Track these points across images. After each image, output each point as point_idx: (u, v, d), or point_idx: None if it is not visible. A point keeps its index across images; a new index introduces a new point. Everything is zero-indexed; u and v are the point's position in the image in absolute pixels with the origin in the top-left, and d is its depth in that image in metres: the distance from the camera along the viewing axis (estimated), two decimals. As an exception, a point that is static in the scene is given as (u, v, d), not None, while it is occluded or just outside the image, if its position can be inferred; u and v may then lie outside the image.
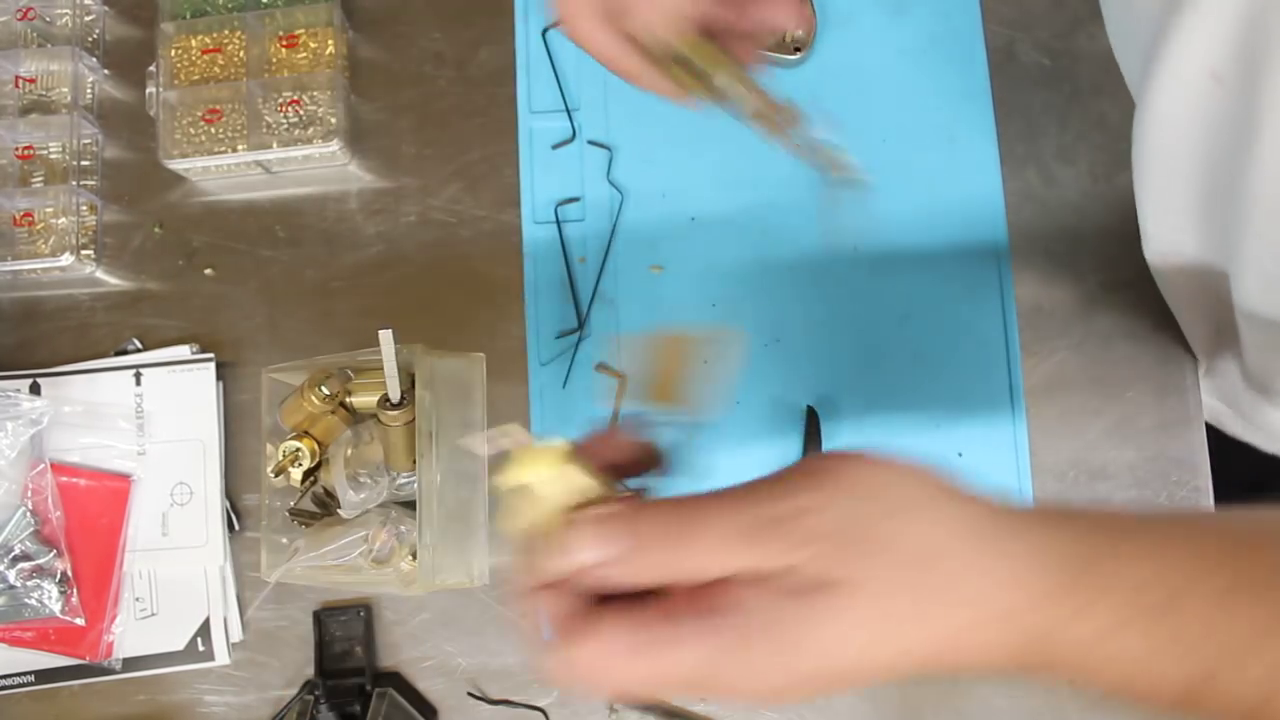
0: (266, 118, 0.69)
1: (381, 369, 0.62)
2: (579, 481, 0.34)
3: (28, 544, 0.65)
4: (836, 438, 0.65)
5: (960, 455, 0.65)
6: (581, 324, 0.67)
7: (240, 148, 0.69)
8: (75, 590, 0.65)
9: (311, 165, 0.71)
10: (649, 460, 0.38)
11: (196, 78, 0.71)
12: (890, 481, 0.34)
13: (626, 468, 0.37)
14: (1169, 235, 0.52)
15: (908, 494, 0.33)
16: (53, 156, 0.72)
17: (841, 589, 0.32)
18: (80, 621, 0.65)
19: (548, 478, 0.34)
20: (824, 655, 0.32)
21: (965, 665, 0.33)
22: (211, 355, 0.68)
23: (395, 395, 0.59)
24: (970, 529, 0.33)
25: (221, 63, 0.71)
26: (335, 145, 0.68)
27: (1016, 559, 0.33)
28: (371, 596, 0.66)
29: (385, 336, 0.57)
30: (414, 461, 0.60)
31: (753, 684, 0.33)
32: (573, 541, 0.34)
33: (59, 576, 0.65)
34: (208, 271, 0.70)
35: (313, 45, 0.71)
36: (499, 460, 0.34)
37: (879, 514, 0.33)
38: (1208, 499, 0.64)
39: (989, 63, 0.69)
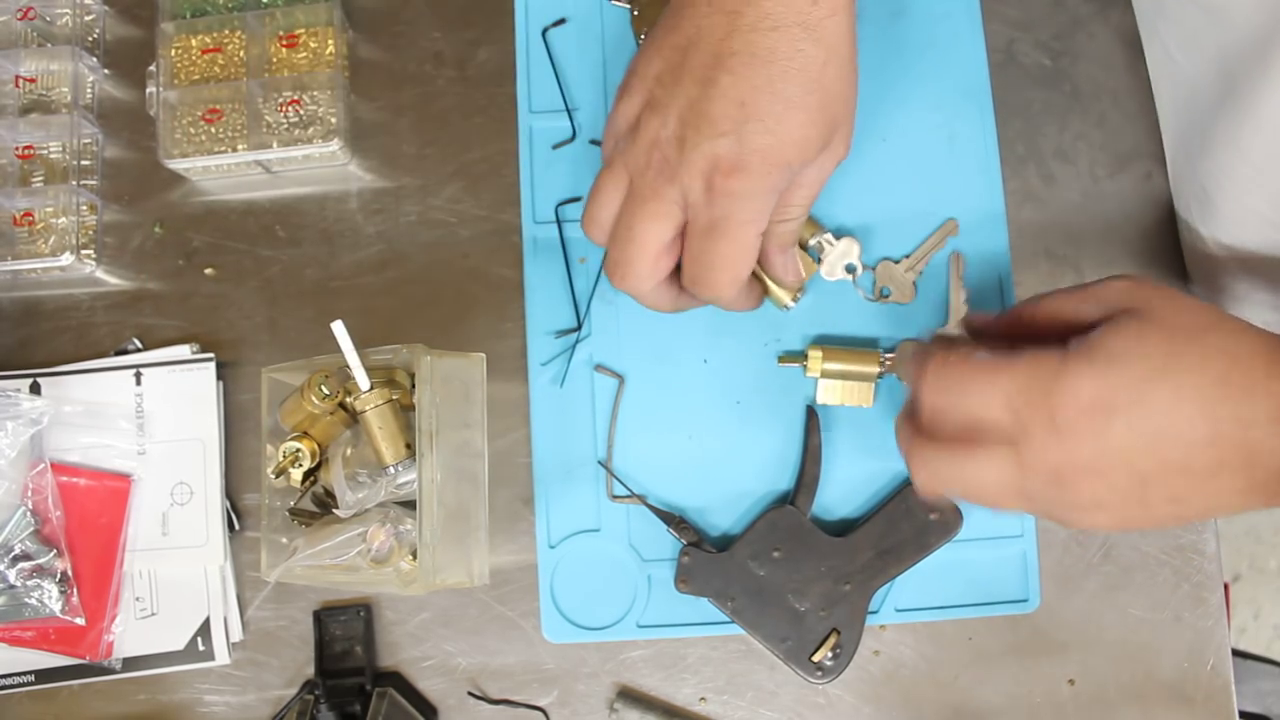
0: (266, 117, 0.69)
1: (381, 369, 0.62)
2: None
3: (28, 544, 0.65)
4: (836, 438, 0.65)
5: (960, 455, 0.65)
6: (580, 324, 0.67)
7: (240, 147, 0.69)
8: (75, 590, 0.65)
9: (311, 165, 0.71)
10: None
11: (196, 77, 0.71)
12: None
13: None
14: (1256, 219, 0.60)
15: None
16: (53, 156, 0.72)
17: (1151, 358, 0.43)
18: (80, 621, 0.65)
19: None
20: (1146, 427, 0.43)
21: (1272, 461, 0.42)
22: (211, 355, 0.68)
23: (365, 384, 0.59)
24: (1265, 339, 0.44)
25: (221, 62, 0.71)
26: (335, 145, 0.68)
27: None
28: (371, 596, 0.66)
29: (338, 328, 0.57)
30: (401, 448, 0.60)
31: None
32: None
33: (59, 576, 0.65)
34: (208, 271, 0.70)
35: (313, 45, 0.71)
36: None
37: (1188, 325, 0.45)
38: (1208, 499, 0.64)
39: (989, 63, 0.69)
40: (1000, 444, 0.45)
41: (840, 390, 0.64)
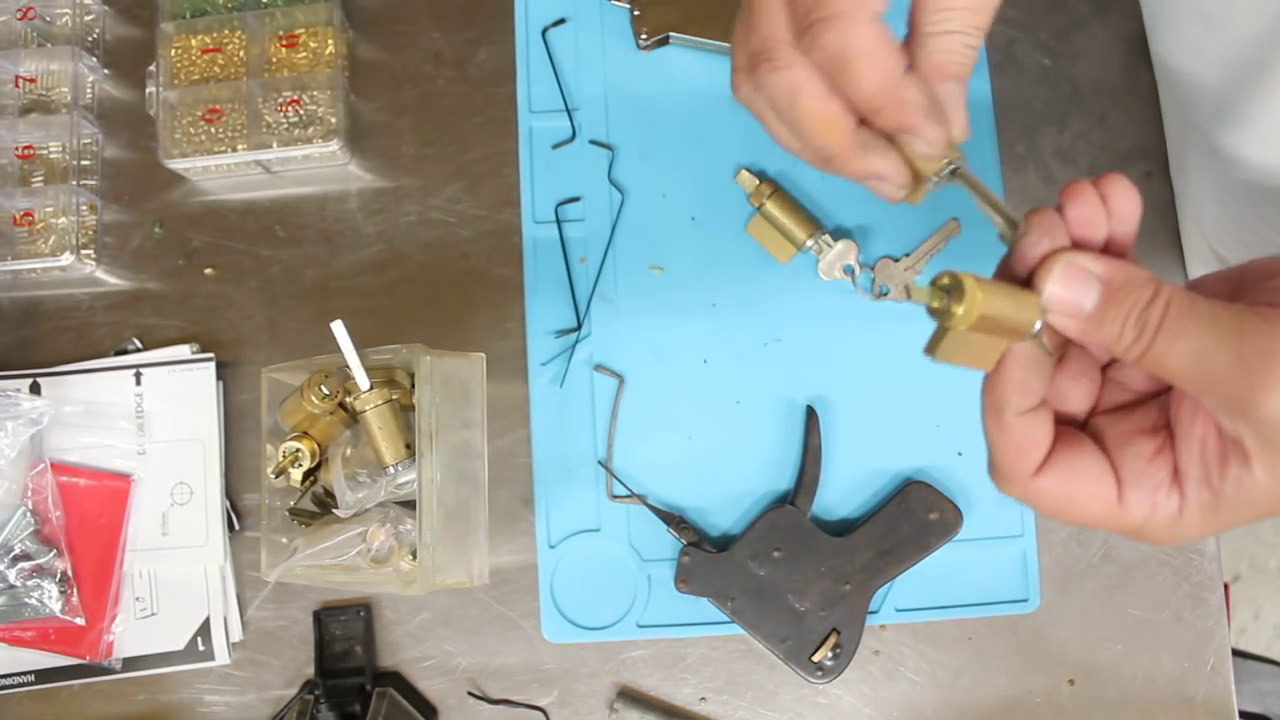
0: (266, 117, 0.69)
1: (381, 369, 0.62)
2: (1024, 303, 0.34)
3: (28, 544, 0.65)
4: (836, 438, 0.65)
5: (960, 455, 0.65)
6: (580, 323, 0.67)
7: (240, 147, 0.69)
8: (75, 590, 0.65)
9: (311, 165, 0.71)
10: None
11: (196, 77, 0.71)
12: None
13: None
14: None
15: None
16: (53, 156, 0.72)
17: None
18: (80, 621, 0.65)
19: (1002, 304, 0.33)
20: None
21: None
22: (211, 355, 0.68)
23: (365, 384, 0.59)
24: None
25: (221, 62, 0.71)
26: (335, 145, 0.68)
27: None
28: (371, 596, 0.66)
29: (338, 328, 0.57)
30: (401, 448, 0.60)
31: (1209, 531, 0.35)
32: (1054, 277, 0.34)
33: (59, 576, 0.65)
34: (208, 271, 0.70)
35: (313, 45, 0.71)
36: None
37: None
38: (1208, 499, 0.64)
39: (989, 63, 0.69)
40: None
41: (768, 236, 0.66)
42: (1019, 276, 0.36)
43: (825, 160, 0.40)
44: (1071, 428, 0.38)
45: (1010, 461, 0.36)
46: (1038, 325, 0.34)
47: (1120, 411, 0.38)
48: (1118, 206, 0.35)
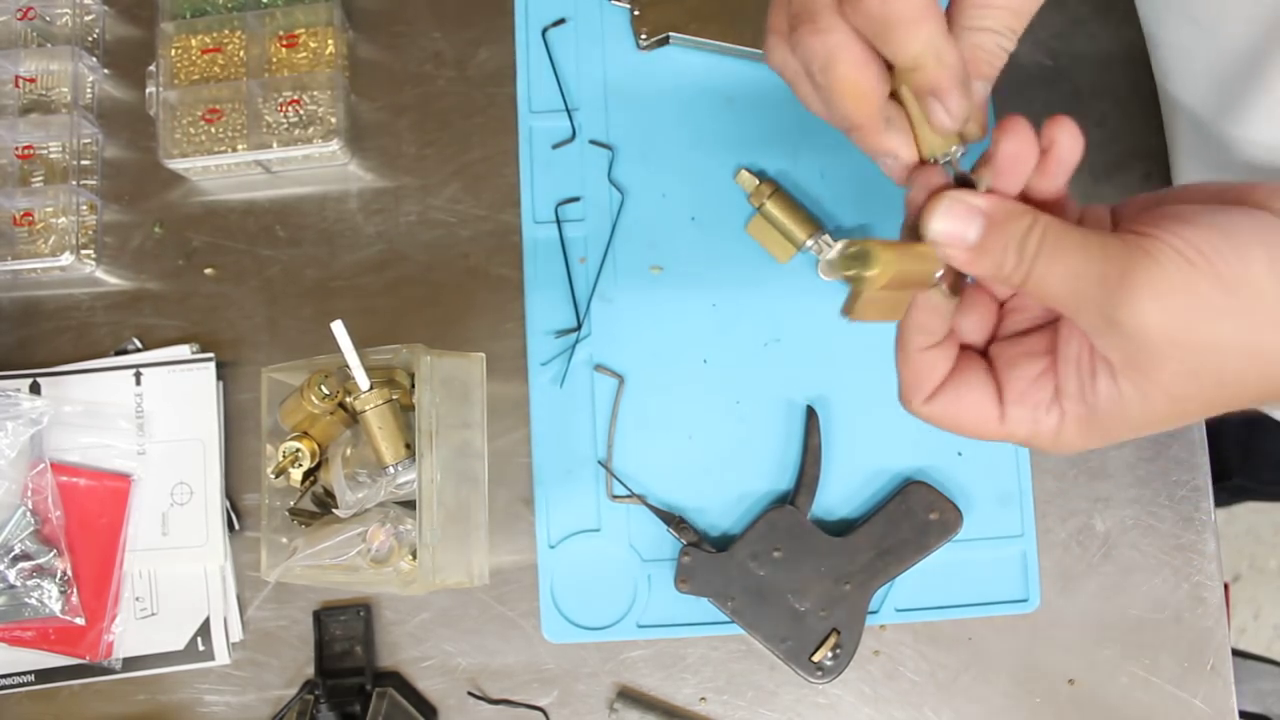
0: (266, 117, 0.69)
1: (382, 369, 0.62)
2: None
3: (28, 544, 0.65)
4: (836, 438, 0.65)
5: (960, 455, 0.65)
6: (580, 323, 0.67)
7: (240, 147, 0.69)
8: (75, 590, 0.65)
9: (311, 165, 0.71)
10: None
11: (196, 77, 0.71)
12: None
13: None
14: None
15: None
16: (53, 156, 0.72)
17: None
18: (80, 621, 0.65)
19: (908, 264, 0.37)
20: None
21: None
22: (211, 355, 0.68)
23: (365, 384, 0.59)
24: None
25: (221, 62, 0.71)
26: (335, 145, 0.68)
27: None
28: (371, 596, 0.66)
29: (338, 328, 0.57)
30: (401, 448, 0.60)
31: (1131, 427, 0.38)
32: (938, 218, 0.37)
33: (59, 576, 0.65)
34: (208, 271, 0.70)
35: (313, 45, 0.71)
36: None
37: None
38: (1207, 499, 0.64)
39: (989, 63, 0.69)
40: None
41: (768, 236, 0.66)
42: (917, 230, 0.39)
43: (847, 129, 0.41)
44: (972, 353, 0.42)
45: (909, 389, 0.42)
46: (939, 273, 0.38)
47: (1015, 338, 0.42)
48: (1056, 139, 0.38)
